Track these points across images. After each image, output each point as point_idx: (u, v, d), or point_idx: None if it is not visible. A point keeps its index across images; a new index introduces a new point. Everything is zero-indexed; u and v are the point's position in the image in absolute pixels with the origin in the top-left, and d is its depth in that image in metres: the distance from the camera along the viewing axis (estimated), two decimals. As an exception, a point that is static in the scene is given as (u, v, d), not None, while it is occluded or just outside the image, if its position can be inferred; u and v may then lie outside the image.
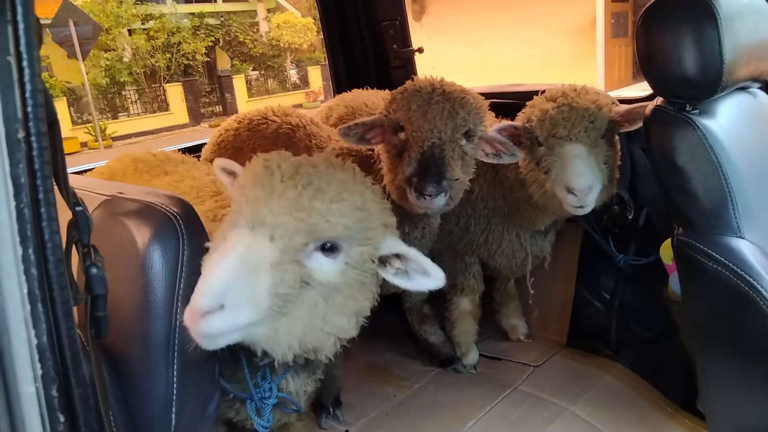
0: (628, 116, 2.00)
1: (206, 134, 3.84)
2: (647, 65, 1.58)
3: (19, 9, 0.54)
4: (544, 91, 2.14)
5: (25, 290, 0.56)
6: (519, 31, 13.60)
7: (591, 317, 2.61)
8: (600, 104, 1.98)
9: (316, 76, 22.41)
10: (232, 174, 1.39)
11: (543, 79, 2.41)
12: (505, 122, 2.13)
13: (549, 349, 2.67)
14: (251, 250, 1.13)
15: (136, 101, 19.01)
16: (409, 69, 3.39)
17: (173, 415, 1.19)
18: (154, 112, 19.13)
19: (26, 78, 0.56)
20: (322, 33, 3.54)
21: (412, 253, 1.32)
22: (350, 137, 1.97)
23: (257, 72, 22.17)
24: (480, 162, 2.39)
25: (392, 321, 2.84)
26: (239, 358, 1.41)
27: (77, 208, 0.83)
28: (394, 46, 3.33)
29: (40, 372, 0.57)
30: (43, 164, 0.58)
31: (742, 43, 1.51)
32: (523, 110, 2.14)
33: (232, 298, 1.07)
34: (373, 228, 1.25)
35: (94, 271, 0.85)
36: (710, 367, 1.62)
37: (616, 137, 2.08)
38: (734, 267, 1.42)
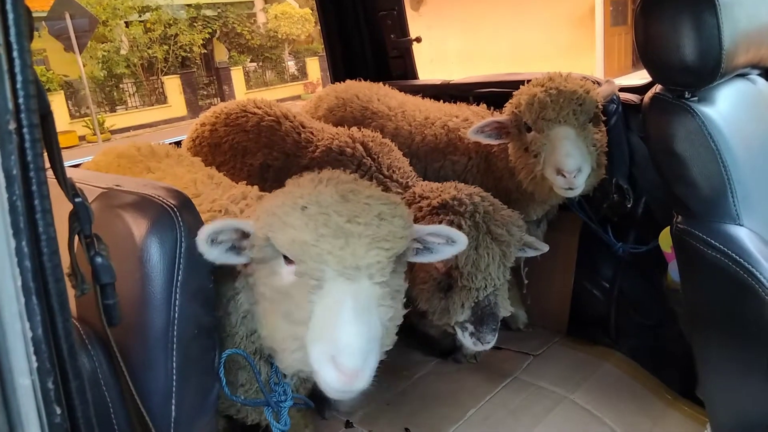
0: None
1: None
2: (646, 53, 1.57)
3: (8, -2, 0.54)
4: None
5: (19, 283, 0.56)
6: (518, 21, 13.53)
7: (590, 306, 2.61)
8: (587, 88, 2.01)
9: (315, 68, 22.33)
10: (242, 234, 1.28)
11: (542, 69, 2.40)
12: (488, 118, 2.15)
13: (548, 338, 2.68)
14: (361, 297, 1.15)
15: (133, 94, 18.94)
16: (407, 59, 3.37)
17: (173, 407, 1.19)
18: (152, 105, 19.07)
19: (17, 68, 0.55)
20: (319, 24, 3.52)
21: (437, 226, 1.45)
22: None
23: (255, 64, 22.08)
24: (473, 152, 2.40)
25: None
26: (251, 367, 1.43)
27: (76, 200, 0.83)
28: (392, 36, 3.32)
29: (35, 364, 0.57)
30: (36, 156, 0.58)
31: (741, 29, 1.50)
32: (510, 100, 2.15)
33: (372, 348, 1.13)
34: (410, 223, 1.31)
35: (99, 260, 0.86)
36: (709, 355, 1.62)
37: (602, 123, 2.10)
38: (733, 254, 1.42)
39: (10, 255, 0.55)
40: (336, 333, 1.11)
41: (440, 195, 1.87)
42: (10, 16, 0.54)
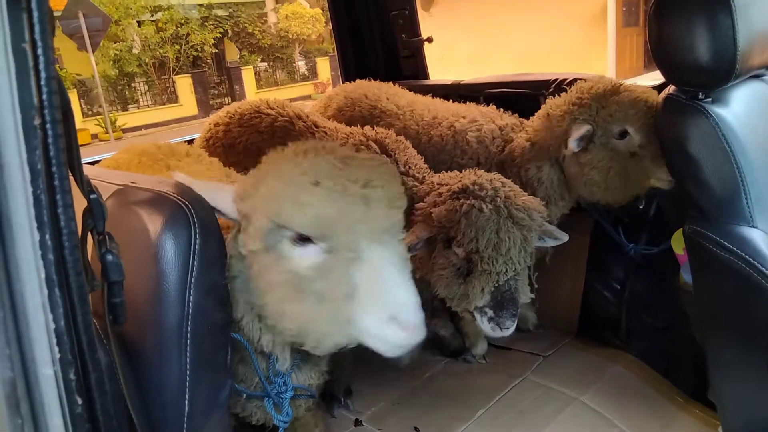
0: None
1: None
2: (659, 53, 1.57)
3: (34, -3, 0.55)
4: (568, 82, 2.12)
5: (43, 275, 0.57)
6: (529, 21, 13.48)
7: (601, 307, 2.60)
8: None
9: (325, 67, 22.36)
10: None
11: (553, 69, 2.39)
12: (582, 129, 2.05)
13: (559, 339, 2.67)
14: (395, 257, 1.19)
15: (145, 93, 19.07)
16: (418, 59, 3.38)
17: (186, 402, 1.20)
18: (164, 104, 19.18)
19: (41, 65, 0.56)
20: (330, 23, 3.53)
21: None
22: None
23: (266, 63, 22.15)
24: (482, 157, 2.39)
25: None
26: (250, 358, 1.43)
27: (92, 196, 0.84)
28: (403, 36, 3.32)
29: (58, 355, 0.58)
30: (58, 151, 0.59)
31: (756, 29, 1.49)
32: (573, 103, 2.09)
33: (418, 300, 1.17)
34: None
35: (109, 257, 0.86)
36: (721, 357, 1.61)
37: None
38: (746, 256, 1.42)
39: (34, 248, 0.56)
40: (391, 296, 1.14)
41: (460, 180, 1.87)
42: (35, 14, 0.55)
